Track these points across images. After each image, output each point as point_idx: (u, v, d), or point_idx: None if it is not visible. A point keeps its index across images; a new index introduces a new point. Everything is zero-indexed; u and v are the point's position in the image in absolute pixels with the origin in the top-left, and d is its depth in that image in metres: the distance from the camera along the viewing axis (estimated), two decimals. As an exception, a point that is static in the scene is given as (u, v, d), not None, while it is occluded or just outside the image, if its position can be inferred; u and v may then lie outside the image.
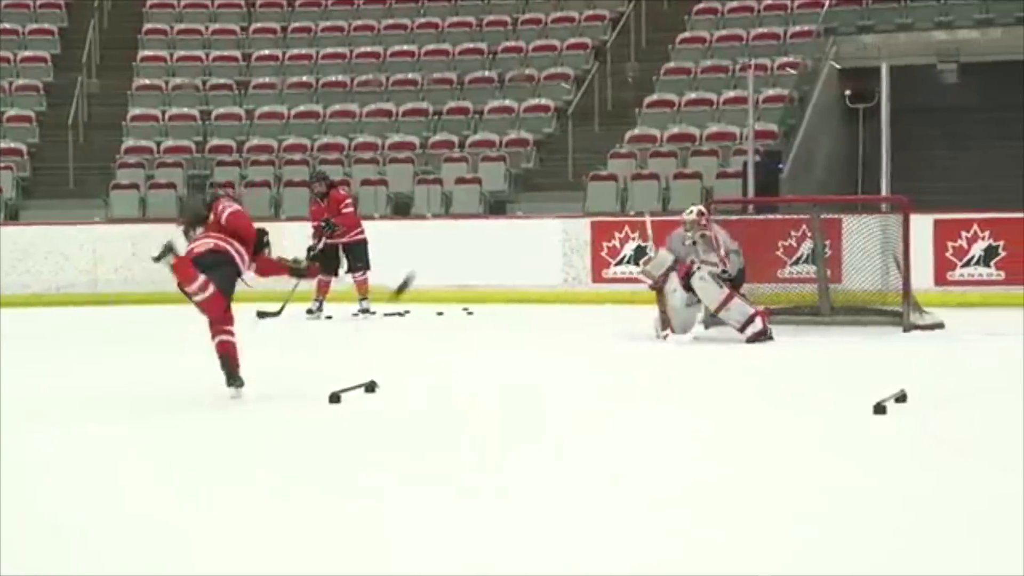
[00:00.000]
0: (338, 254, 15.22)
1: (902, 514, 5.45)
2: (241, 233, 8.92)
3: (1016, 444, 6.84)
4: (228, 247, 8.85)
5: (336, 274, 15.27)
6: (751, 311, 12.16)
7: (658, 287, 12.50)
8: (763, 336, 12.06)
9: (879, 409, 7.88)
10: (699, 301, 12.33)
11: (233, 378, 8.69)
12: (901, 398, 8.21)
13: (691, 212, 12.58)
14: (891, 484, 6.04)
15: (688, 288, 12.23)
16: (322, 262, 14.96)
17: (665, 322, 12.41)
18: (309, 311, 15.02)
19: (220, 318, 8.74)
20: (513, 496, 5.88)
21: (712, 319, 12.79)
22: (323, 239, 14.88)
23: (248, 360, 8.84)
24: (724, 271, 12.18)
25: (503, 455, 6.87)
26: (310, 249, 14.81)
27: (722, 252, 12.21)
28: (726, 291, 12.12)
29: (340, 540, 5.10)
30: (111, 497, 5.97)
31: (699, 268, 12.17)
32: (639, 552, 4.90)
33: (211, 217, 9.00)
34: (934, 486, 5.96)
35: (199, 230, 9.04)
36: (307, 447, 7.21)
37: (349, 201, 15.72)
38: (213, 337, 8.77)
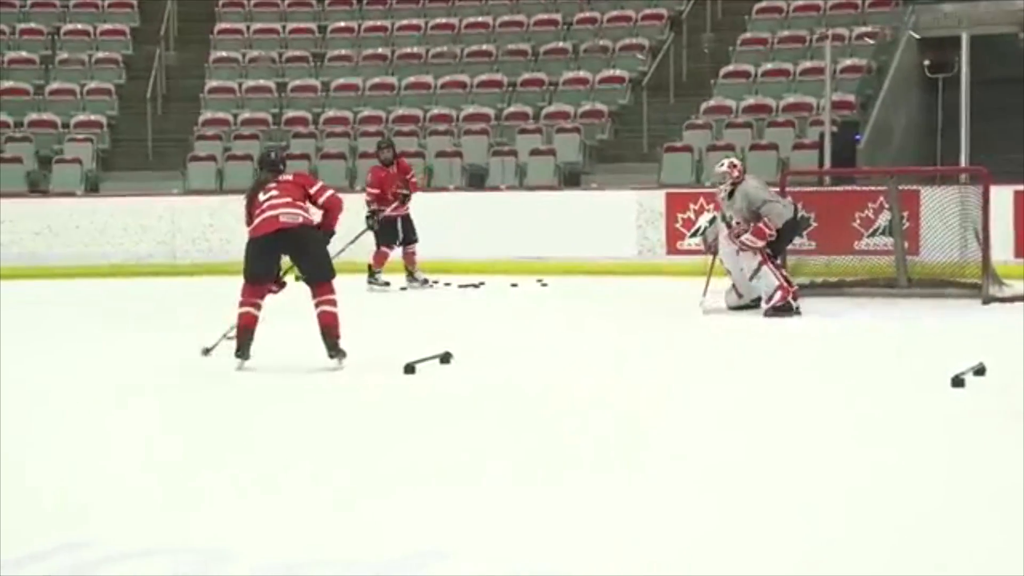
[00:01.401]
0: (396, 226, 15.18)
1: (981, 487, 5.42)
2: (329, 218, 9.21)
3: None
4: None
5: (394, 245, 15.25)
6: (776, 283, 12.02)
7: (712, 251, 12.53)
8: (783, 312, 11.88)
9: (957, 382, 7.83)
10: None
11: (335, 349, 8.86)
12: (980, 371, 8.14)
13: (722, 164, 12.52)
14: (970, 458, 6.02)
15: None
16: (381, 233, 15.06)
17: (729, 292, 12.43)
18: (384, 284, 15.08)
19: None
20: (577, 472, 5.90)
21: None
22: (405, 206, 14.98)
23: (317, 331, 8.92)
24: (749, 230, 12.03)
25: (570, 430, 6.86)
26: (373, 215, 14.99)
27: (755, 206, 12.05)
28: (759, 258, 11.99)
29: (413, 518, 5.14)
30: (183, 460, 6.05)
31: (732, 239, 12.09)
32: (691, 529, 4.91)
33: (287, 175, 9.12)
34: (1013, 460, 5.91)
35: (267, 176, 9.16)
36: (381, 417, 7.25)
37: (413, 169, 15.79)
38: (316, 307, 8.97)
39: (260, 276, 9.09)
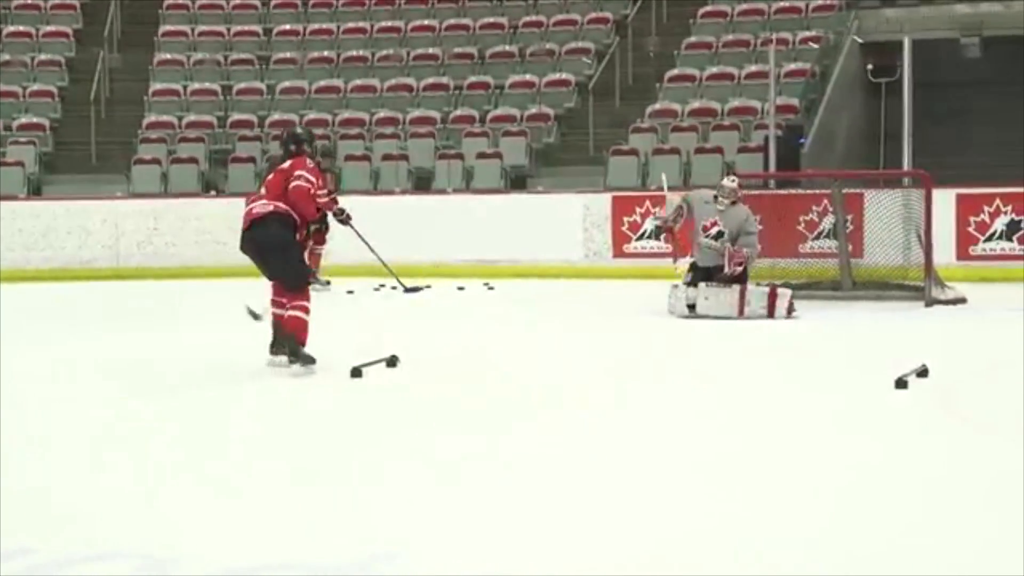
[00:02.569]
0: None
1: (922, 489, 5.47)
2: (299, 209, 8.83)
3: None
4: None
5: (322, 242, 15.12)
6: (766, 289, 12.15)
7: (668, 227, 12.69)
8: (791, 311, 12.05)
9: (901, 384, 7.89)
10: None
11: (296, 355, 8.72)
12: (923, 373, 8.21)
13: (733, 180, 12.65)
14: (911, 459, 6.06)
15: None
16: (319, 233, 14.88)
17: (676, 256, 12.64)
18: (324, 283, 14.87)
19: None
20: (529, 470, 5.91)
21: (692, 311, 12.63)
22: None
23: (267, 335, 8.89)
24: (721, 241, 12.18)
25: (520, 430, 6.88)
26: (342, 212, 14.84)
27: (747, 230, 12.23)
28: (738, 291, 12.10)
29: (360, 520, 5.14)
30: (117, 470, 6.02)
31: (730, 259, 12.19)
32: (651, 528, 4.92)
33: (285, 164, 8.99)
34: (955, 461, 5.97)
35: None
36: (328, 422, 7.24)
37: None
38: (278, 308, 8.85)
39: (264, 275, 9.01)
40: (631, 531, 4.83)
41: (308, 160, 8.99)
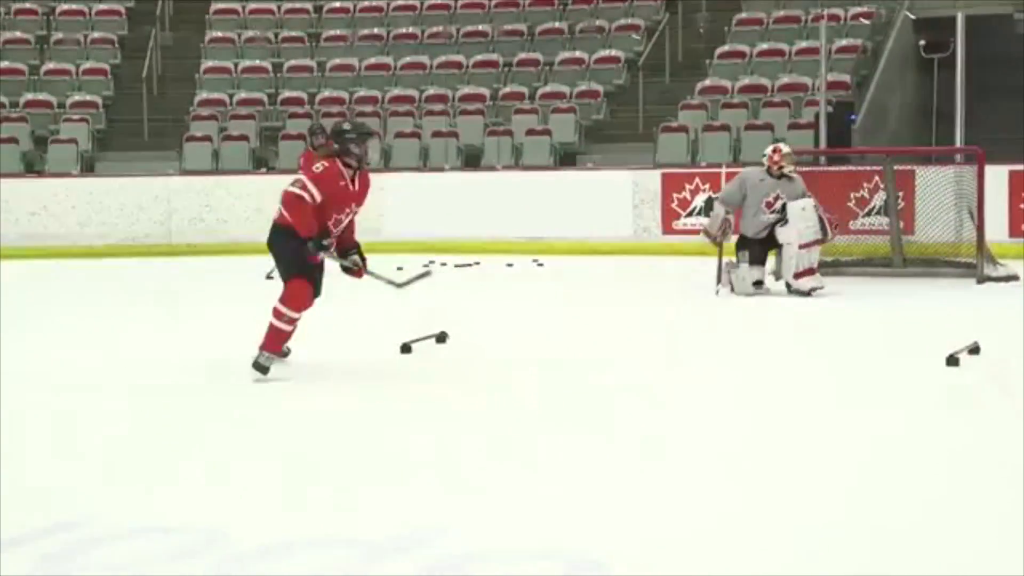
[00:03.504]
0: None
1: (976, 466, 5.47)
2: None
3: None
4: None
5: None
6: (812, 265, 12.07)
7: (717, 241, 12.41)
8: (801, 294, 11.94)
9: (952, 361, 7.87)
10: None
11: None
12: (975, 350, 8.19)
13: (787, 148, 12.46)
14: (965, 436, 6.05)
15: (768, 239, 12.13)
16: None
17: (720, 277, 12.33)
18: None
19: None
20: (574, 450, 5.95)
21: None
22: None
23: (316, 311, 8.92)
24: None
25: (572, 407, 6.91)
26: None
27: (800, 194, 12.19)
28: (820, 236, 12.02)
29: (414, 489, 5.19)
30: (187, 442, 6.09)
31: (801, 200, 12.08)
32: (695, 504, 4.95)
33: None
34: (1006, 439, 5.95)
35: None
36: (380, 396, 7.28)
37: None
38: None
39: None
40: (677, 510, 4.87)
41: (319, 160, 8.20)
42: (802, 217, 12.02)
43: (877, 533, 4.46)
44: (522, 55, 22.49)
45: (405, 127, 20.97)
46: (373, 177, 15.63)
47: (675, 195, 17.53)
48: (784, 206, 12.08)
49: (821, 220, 12.04)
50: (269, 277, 8.94)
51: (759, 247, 12.19)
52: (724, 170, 13.42)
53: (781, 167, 12.14)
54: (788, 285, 12.02)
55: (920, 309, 11.30)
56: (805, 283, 11.97)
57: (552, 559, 4.19)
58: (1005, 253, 13.82)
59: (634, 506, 4.85)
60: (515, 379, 7.76)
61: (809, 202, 12.08)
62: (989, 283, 12.80)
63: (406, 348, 8.61)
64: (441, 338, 9.00)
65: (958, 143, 16.52)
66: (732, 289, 12.16)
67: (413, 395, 7.29)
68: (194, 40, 23.68)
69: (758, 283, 12.15)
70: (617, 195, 17.73)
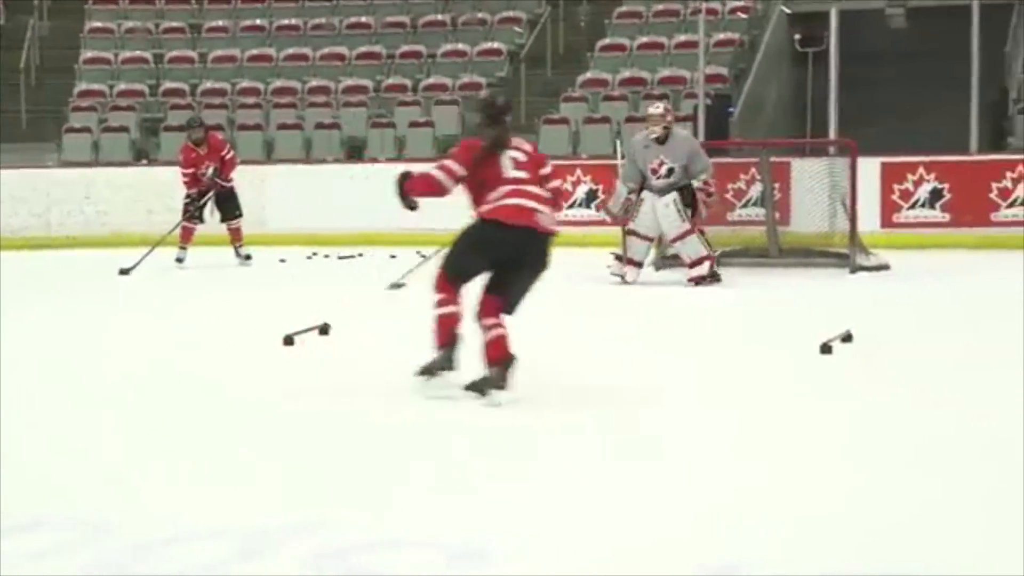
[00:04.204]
0: (204, 203, 14.74)
1: (843, 451, 5.59)
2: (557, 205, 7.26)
3: (955, 381, 7.05)
4: None
5: (202, 220, 14.82)
6: (704, 252, 12.29)
7: (620, 223, 12.53)
8: (706, 280, 12.18)
9: (825, 349, 8.02)
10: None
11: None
12: (847, 338, 8.34)
13: (658, 107, 12.57)
14: (835, 422, 6.17)
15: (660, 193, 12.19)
16: (187, 209, 14.70)
17: (623, 260, 12.45)
18: (179, 260, 14.70)
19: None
20: (452, 437, 6.02)
21: (663, 262, 13.04)
22: (215, 188, 14.64)
23: (195, 304, 8.90)
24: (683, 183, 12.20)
25: (442, 398, 6.92)
26: (192, 199, 14.67)
27: (691, 155, 12.26)
28: (687, 225, 12.18)
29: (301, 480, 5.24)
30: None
31: (668, 194, 12.20)
32: (581, 493, 5.04)
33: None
34: (877, 423, 6.11)
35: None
36: (259, 387, 7.28)
37: (229, 145, 15.37)
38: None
39: (471, 274, 6.91)
40: (559, 501, 4.95)
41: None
42: (665, 215, 12.21)
43: (746, 523, 4.56)
44: (405, 47, 22.50)
45: (288, 119, 20.91)
46: (254, 169, 15.58)
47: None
48: (669, 171, 12.14)
49: (679, 212, 12.18)
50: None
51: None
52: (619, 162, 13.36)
53: (654, 131, 12.19)
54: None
55: (795, 298, 11.50)
56: (695, 271, 12.21)
57: (433, 549, 4.22)
58: (877, 243, 14.11)
59: (518, 496, 4.89)
60: (397, 371, 7.80)
61: (671, 197, 12.23)
62: (861, 273, 13.08)
63: (288, 340, 8.63)
64: (324, 330, 9.03)
65: (832, 135, 16.85)
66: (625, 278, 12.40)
67: (295, 387, 7.28)
68: (73, 30, 23.36)
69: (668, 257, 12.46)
70: (499, 187, 17.79)
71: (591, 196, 17.51)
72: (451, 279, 6.84)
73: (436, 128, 20.26)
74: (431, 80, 21.65)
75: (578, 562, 4.06)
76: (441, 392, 6.83)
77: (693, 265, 12.24)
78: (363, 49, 22.57)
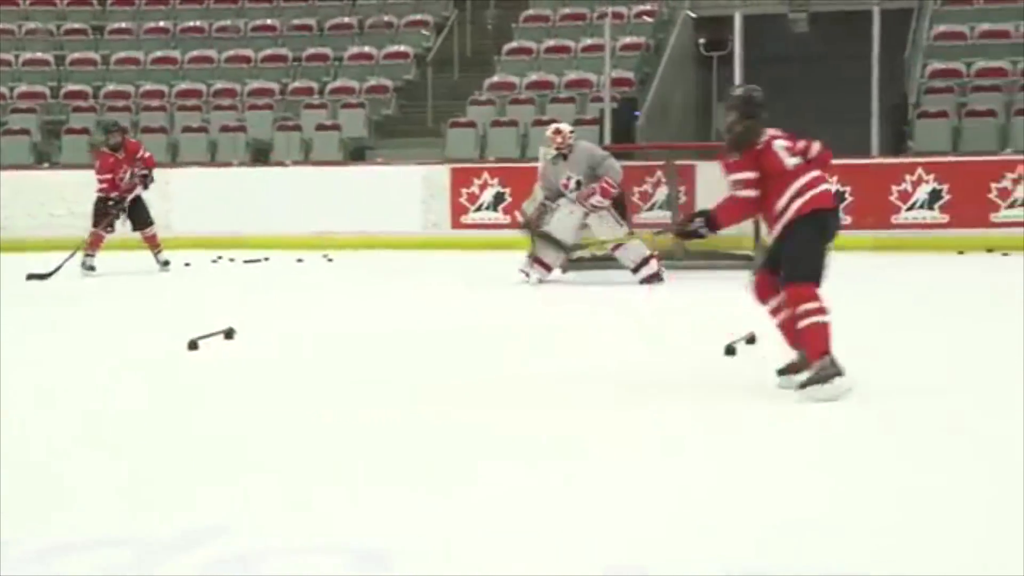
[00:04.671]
0: (117, 210, 14.40)
1: (753, 449, 5.64)
2: None
3: (859, 381, 7.13)
4: None
5: (113, 228, 14.47)
6: (647, 252, 12.57)
7: (531, 225, 12.71)
8: (656, 279, 12.50)
9: (730, 351, 8.07)
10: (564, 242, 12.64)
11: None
12: (751, 340, 8.39)
13: (556, 130, 12.81)
14: (740, 423, 6.21)
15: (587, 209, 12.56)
16: (98, 216, 14.40)
17: (533, 262, 12.64)
18: (91, 268, 14.34)
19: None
20: (357, 442, 6.01)
21: (571, 264, 13.12)
22: (137, 188, 14.44)
23: (101, 307, 8.81)
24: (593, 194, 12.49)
25: (360, 404, 6.94)
26: (114, 204, 14.43)
27: (597, 161, 12.59)
28: (625, 230, 12.52)
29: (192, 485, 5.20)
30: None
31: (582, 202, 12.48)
32: (484, 498, 5.05)
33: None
34: (780, 422, 6.16)
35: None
36: (163, 393, 7.22)
37: (143, 145, 15.17)
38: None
39: (821, 272, 6.80)
40: (466, 505, 4.95)
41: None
42: (600, 225, 12.56)
43: (648, 523, 4.59)
44: (311, 50, 22.43)
45: (192, 122, 20.76)
46: (158, 172, 15.36)
47: (464, 190, 17.70)
48: (578, 184, 12.49)
49: (616, 219, 12.54)
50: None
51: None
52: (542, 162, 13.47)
53: (559, 148, 12.58)
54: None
55: (700, 301, 11.57)
56: (642, 273, 12.61)
57: (338, 555, 4.20)
58: (781, 245, 14.22)
59: (422, 500, 4.88)
60: (302, 374, 7.78)
61: (604, 208, 12.54)
62: (767, 275, 13.18)
63: (193, 345, 8.56)
64: (229, 334, 8.97)
65: (736, 139, 16.97)
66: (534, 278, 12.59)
67: (200, 391, 7.24)
68: (-28, 31, 23.05)
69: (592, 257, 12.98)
70: (406, 190, 17.82)
71: (498, 199, 17.54)
72: (817, 284, 6.75)
73: (343, 131, 20.23)
74: (337, 83, 21.59)
75: (486, 564, 4.06)
76: (365, 393, 6.80)
77: (639, 267, 12.58)
78: (269, 51, 22.46)
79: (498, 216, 17.47)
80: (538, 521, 4.51)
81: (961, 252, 15.49)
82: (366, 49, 22.25)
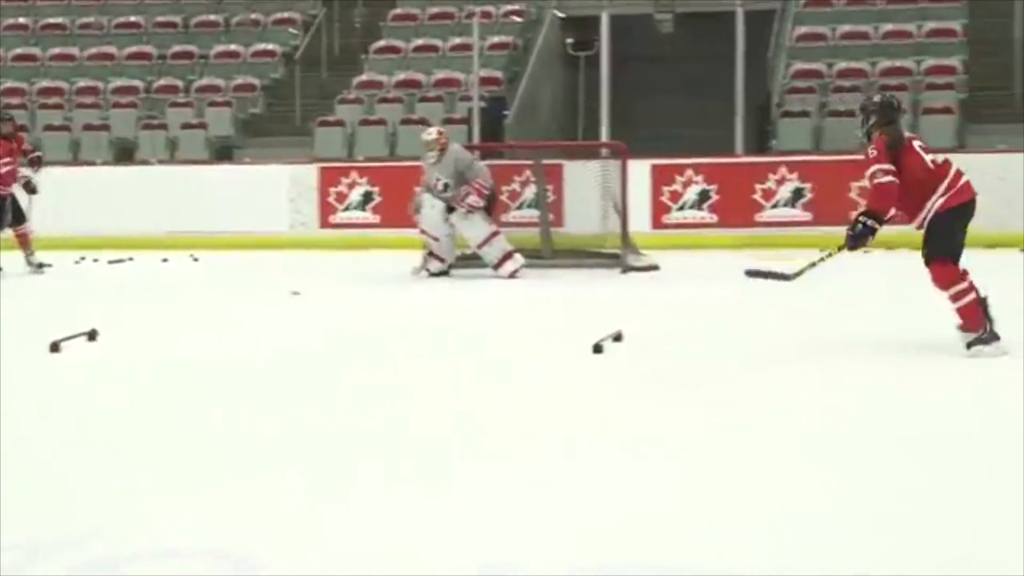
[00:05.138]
0: (5, 205, 14.02)
1: (622, 445, 5.68)
2: None
3: (722, 379, 7.23)
4: None
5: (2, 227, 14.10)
6: (509, 248, 12.96)
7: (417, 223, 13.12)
8: (517, 273, 12.86)
9: (597, 349, 8.13)
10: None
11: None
12: (618, 338, 8.47)
13: (430, 133, 13.22)
14: (609, 419, 6.26)
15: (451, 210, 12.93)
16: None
17: (427, 259, 13.05)
18: None
19: None
20: (235, 444, 5.97)
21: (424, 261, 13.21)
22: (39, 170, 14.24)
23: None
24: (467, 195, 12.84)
25: (226, 403, 6.90)
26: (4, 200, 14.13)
27: (463, 165, 12.94)
28: (492, 228, 12.86)
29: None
30: None
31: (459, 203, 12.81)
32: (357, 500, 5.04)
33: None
34: (647, 420, 6.22)
35: None
36: (25, 396, 7.11)
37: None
38: None
39: (960, 252, 7.82)
40: (336, 506, 4.94)
41: None
42: (469, 226, 12.91)
43: (514, 522, 4.61)
44: (176, 47, 22.19)
45: (54, 120, 20.43)
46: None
47: (332, 189, 17.64)
48: (445, 186, 12.87)
49: (485, 218, 12.90)
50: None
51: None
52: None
53: (431, 149, 13.01)
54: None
55: (567, 299, 11.63)
56: (506, 268, 12.93)
57: (203, 559, 4.17)
58: (647, 244, 14.40)
59: (290, 503, 4.87)
60: (167, 375, 7.70)
61: (477, 207, 12.85)
62: (632, 273, 13.33)
63: (55, 347, 8.43)
64: (92, 336, 8.84)
65: (604, 138, 17.15)
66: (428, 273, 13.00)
67: (63, 393, 7.14)
68: None
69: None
70: (274, 190, 17.72)
71: (367, 199, 17.51)
72: (954, 261, 7.74)
73: (209, 130, 20.04)
74: (204, 81, 21.39)
75: (342, 563, 4.06)
76: (228, 393, 6.75)
77: (502, 263, 12.93)
78: (133, 49, 22.18)
79: (367, 216, 17.44)
80: (407, 519, 4.52)
81: (823, 249, 15.71)
82: (233, 47, 22.06)
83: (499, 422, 6.26)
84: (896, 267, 11.70)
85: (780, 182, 16.66)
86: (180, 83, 21.40)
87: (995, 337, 7.70)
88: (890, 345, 8.27)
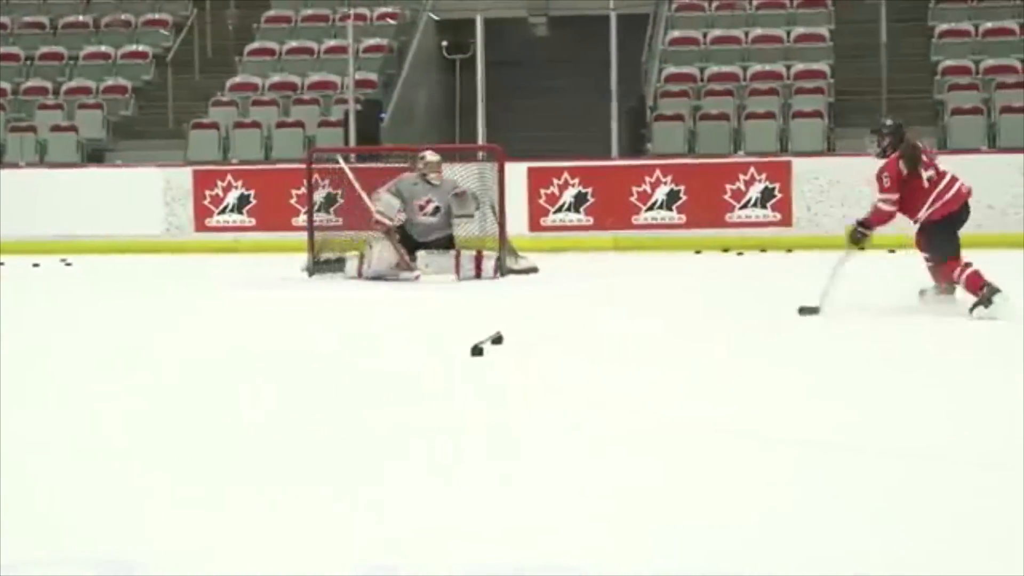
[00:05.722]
0: None
1: (516, 451, 5.70)
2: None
3: (597, 379, 7.30)
4: None
5: None
6: (473, 253, 13.17)
7: (394, 228, 13.09)
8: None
9: (476, 351, 8.13)
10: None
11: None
12: (498, 340, 8.48)
13: (434, 155, 13.51)
14: (490, 421, 6.28)
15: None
16: None
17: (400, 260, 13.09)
18: None
19: None
20: (128, 447, 5.91)
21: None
22: None
23: None
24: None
25: (108, 412, 6.81)
26: None
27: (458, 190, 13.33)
28: (453, 255, 13.07)
29: None
30: None
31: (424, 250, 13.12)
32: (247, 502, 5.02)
33: None
34: (525, 421, 6.26)
35: None
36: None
37: None
38: None
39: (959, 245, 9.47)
40: (227, 511, 4.92)
41: None
42: (433, 265, 13.09)
43: (410, 522, 4.62)
44: (45, 49, 21.85)
45: (-81, 123, 19.99)
46: None
47: (207, 192, 17.48)
48: (435, 210, 13.22)
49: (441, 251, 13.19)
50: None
51: (418, 246, 13.17)
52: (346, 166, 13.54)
53: (425, 174, 13.27)
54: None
55: (446, 301, 11.66)
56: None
57: (80, 566, 4.12)
58: (525, 246, 14.47)
59: (167, 507, 4.83)
60: (29, 386, 7.56)
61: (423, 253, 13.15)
62: (511, 275, 13.39)
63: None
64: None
65: (480, 141, 17.20)
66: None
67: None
68: None
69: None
70: (147, 193, 17.51)
71: (243, 201, 17.38)
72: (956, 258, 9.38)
73: (79, 132, 19.77)
74: (73, 83, 21.08)
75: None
76: (104, 403, 6.67)
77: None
78: (0, 50, 21.76)
79: (243, 219, 17.31)
80: (301, 519, 4.51)
81: (698, 252, 15.96)
82: (103, 48, 21.78)
83: (370, 424, 6.24)
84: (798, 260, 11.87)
85: (655, 185, 16.84)
86: (49, 85, 21.09)
87: (994, 291, 9.05)
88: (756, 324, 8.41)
